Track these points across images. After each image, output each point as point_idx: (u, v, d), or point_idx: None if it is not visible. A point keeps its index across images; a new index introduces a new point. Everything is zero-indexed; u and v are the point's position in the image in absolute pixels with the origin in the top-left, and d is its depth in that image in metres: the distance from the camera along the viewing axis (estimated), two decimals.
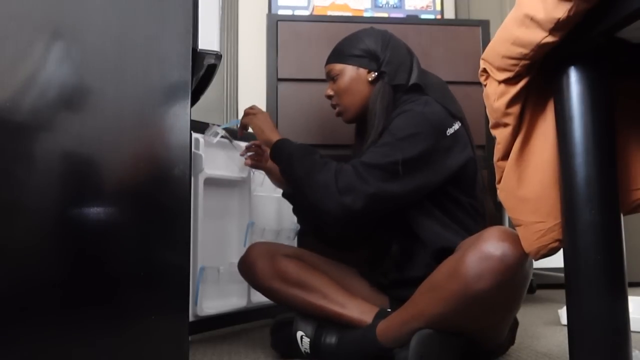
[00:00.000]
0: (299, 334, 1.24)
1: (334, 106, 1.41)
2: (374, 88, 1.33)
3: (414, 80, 1.31)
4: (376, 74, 1.33)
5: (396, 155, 1.17)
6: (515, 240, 0.96)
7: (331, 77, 1.39)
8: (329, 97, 1.40)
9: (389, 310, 1.22)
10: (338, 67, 1.37)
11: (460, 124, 1.27)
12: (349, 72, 1.35)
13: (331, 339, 1.21)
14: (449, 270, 1.07)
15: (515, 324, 1.27)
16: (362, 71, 1.34)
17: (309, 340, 1.23)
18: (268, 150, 1.35)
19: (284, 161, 1.28)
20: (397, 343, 1.13)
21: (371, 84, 1.34)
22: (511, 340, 1.27)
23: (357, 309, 1.23)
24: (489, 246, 1.01)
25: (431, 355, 1.06)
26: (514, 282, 1.04)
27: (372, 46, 1.34)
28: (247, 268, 1.37)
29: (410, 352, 1.06)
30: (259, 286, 1.36)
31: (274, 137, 1.33)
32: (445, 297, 1.05)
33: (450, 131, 1.23)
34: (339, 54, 1.38)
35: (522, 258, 1.00)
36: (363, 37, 1.37)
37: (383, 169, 1.16)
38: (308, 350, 1.24)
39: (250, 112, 1.42)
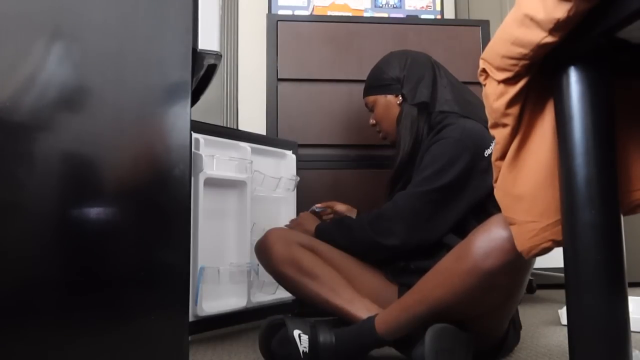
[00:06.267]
0: (296, 332, 1.23)
1: (378, 132, 1.55)
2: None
3: (449, 106, 1.38)
4: (401, 96, 1.45)
5: (433, 184, 1.27)
6: None
7: (369, 108, 1.54)
8: (373, 125, 1.55)
9: None
10: (371, 99, 1.52)
11: None
12: (380, 102, 1.49)
13: (329, 338, 1.21)
14: (457, 253, 1.10)
15: (519, 324, 1.30)
16: (390, 97, 1.47)
17: (307, 337, 1.22)
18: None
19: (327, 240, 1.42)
20: (396, 333, 1.14)
21: (400, 106, 1.45)
22: (517, 339, 1.30)
23: (364, 308, 1.24)
24: (497, 227, 1.04)
25: (446, 350, 1.07)
26: (519, 265, 1.06)
27: (391, 72, 1.47)
28: (263, 251, 1.40)
29: (425, 347, 1.06)
30: (272, 270, 1.39)
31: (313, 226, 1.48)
32: (452, 278, 1.08)
33: (488, 152, 1.29)
34: (368, 87, 1.53)
35: None
36: (383, 66, 1.50)
37: (421, 200, 1.28)
38: (307, 350, 1.22)
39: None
